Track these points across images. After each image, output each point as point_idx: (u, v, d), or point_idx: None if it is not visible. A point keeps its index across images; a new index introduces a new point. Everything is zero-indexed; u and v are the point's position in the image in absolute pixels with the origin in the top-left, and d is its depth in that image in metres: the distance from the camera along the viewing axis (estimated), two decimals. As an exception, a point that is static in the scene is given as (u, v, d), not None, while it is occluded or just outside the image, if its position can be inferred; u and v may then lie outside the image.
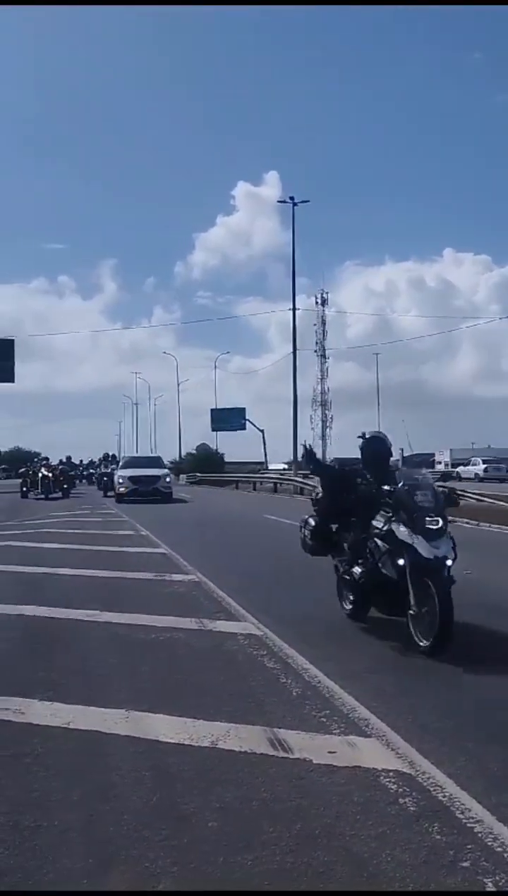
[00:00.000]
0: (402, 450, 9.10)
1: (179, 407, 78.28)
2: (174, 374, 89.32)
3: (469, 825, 3.33)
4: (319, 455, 11.81)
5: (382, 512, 6.62)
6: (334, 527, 7.52)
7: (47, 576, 10.32)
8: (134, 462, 33.00)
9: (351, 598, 7.17)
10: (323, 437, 72.59)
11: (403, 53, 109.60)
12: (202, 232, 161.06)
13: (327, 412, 74.75)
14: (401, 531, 6.28)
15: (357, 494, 6.99)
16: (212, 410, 62.83)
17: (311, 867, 3.02)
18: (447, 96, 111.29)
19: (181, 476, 55.41)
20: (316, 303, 73.66)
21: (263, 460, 55.57)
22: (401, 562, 6.23)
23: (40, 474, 32.29)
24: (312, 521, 7.77)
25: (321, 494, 7.80)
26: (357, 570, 6.81)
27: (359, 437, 7.22)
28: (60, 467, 36.18)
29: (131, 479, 29.39)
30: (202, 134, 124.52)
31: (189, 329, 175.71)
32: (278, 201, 49.53)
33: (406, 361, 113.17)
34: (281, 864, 3.04)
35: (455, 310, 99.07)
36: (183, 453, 67.33)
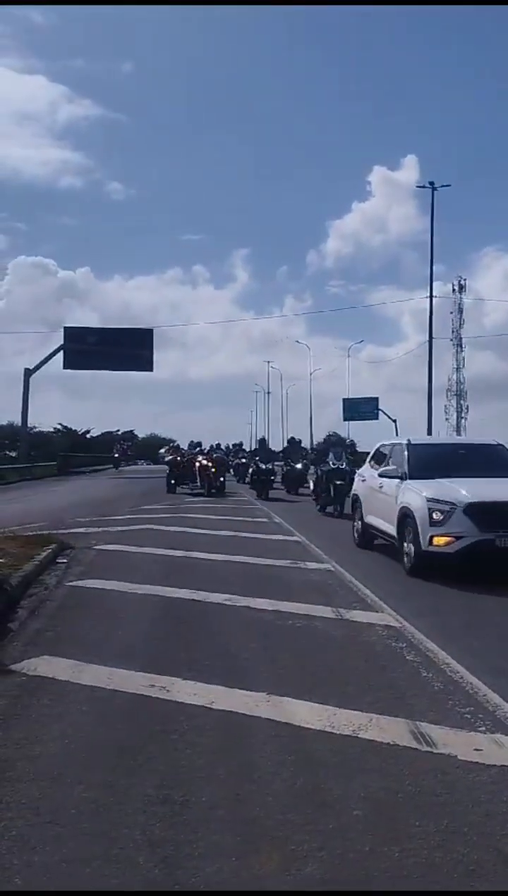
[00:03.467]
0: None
1: (310, 396, 78.30)
2: (306, 362, 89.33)
3: None
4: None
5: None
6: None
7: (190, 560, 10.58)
8: (445, 456, 11.63)
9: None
10: (458, 427, 70.73)
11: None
12: (337, 219, 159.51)
13: (462, 402, 72.74)
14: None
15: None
16: (344, 400, 62.37)
17: (461, 864, 2.96)
18: None
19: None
20: (453, 290, 71.59)
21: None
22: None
23: (197, 464, 24.72)
24: None
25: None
26: None
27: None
28: (216, 455, 27.22)
29: (480, 512, 9.25)
30: (337, 118, 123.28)
31: (321, 318, 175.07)
32: (418, 186, 48.12)
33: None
34: (429, 858, 2.99)
35: None
36: (314, 443, 67.33)
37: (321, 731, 4.31)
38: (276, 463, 25.70)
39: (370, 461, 13.05)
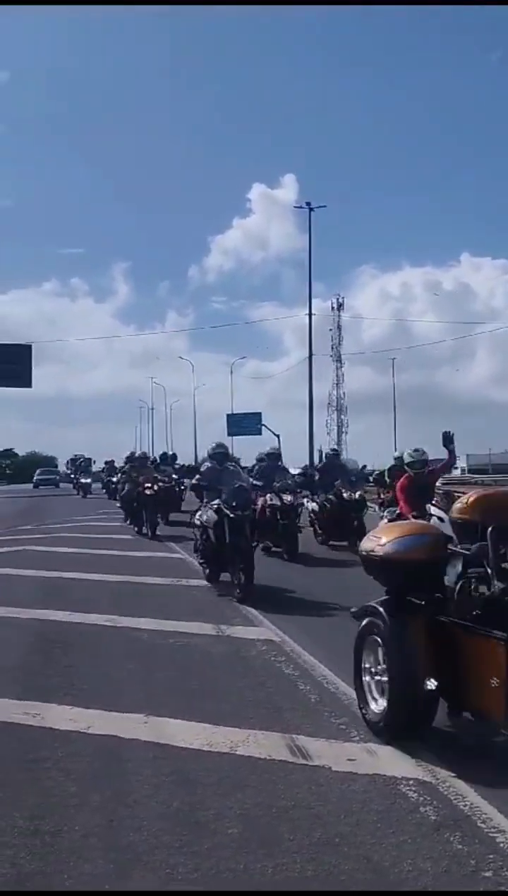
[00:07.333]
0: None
1: (194, 412, 78.32)
2: (189, 378, 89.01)
3: (490, 835, 3.30)
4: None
5: None
6: None
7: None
8: None
9: None
10: (338, 441, 72.51)
11: (424, 53, 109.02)
12: (218, 234, 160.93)
13: (342, 417, 74.64)
14: None
15: None
16: (228, 415, 62.72)
17: (332, 875, 3.01)
18: (468, 98, 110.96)
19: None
20: (332, 308, 73.48)
21: (279, 465, 55.47)
22: None
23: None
24: None
25: None
26: None
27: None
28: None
29: None
30: (219, 135, 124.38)
31: (204, 333, 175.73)
32: (295, 206, 49.09)
33: (423, 366, 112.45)
34: (302, 871, 3.03)
35: (473, 314, 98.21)
36: (199, 458, 67.27)
37: (198, 750, 4.30)
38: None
39: None
